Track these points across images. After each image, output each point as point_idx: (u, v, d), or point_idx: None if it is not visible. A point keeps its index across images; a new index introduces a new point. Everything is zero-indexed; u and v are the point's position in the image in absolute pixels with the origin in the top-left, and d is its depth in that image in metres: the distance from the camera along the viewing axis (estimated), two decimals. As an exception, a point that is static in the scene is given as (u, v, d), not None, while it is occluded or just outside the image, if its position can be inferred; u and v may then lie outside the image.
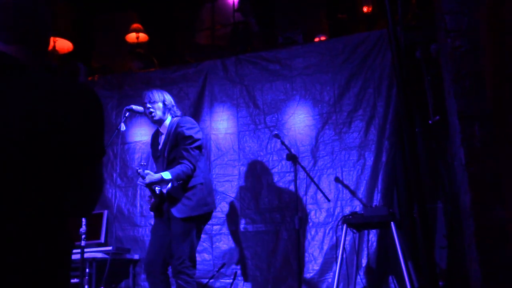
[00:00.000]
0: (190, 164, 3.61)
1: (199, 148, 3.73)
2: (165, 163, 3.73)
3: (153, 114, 3.77)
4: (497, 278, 2.67)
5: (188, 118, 3.91)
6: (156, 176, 3.53)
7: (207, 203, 3.70)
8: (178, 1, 6.70)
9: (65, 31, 6.20)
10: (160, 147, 3.81)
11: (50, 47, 5.72)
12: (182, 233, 3.56)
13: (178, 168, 3.57)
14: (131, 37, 6.40)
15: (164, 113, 3.80)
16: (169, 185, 3.59)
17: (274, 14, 6.24)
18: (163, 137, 3.83)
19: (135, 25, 6.42)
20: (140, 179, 3.56)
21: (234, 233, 5.10)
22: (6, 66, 1.31)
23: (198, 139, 3.71)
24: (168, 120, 3.83)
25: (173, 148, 3.69)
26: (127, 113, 3.86)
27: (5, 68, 1.30)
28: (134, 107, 3.86)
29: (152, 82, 5.71)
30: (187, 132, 3.67)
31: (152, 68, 6.12)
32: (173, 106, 3.86)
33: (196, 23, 6.82)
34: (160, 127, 3.86)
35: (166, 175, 3.53)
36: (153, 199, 3.68)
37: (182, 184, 3.63)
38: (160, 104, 3.79)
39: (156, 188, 3.65)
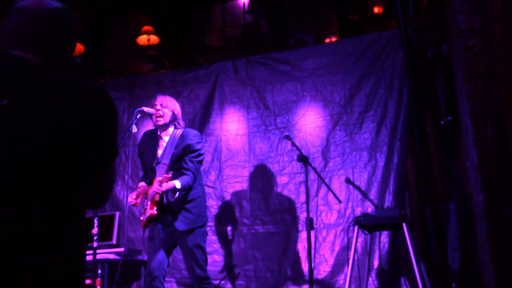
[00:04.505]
0: (193, 176, 3.73)
1: (201, 162, 3.88)
2: (167, 170, 3.79)
3: (159, 118, 3.82)
4: (510, 279, 2.64)
5: (196, 132, 4.00)
6: (170, 183, 3.60)
7: (204, 216, 3.82)
8: (188, 3, 6.72)
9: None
10: (161, 153, 3.84)
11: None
12: (193, 244, 3.66)
13: (185, 179, 3.67)
14: (142, 39, 6.43)
15: (170, 121, 3.87)
16: (177, 194, 3.66)
17: (284, 15, 6.24)
18: (161, 142, 3.88)
19: (146, 27, 6.45)
20: (156, 185, 3.59)
21: (245, 234, 5.09)
22: (23, 69, 1.35)
23: (203, 154, 3.89)
24: (171, 130, 3.89)
25: (179, 158, 3.77)
26: (139, 115, 3.88)
27: (22, 71, 1.34)
28: (145, 109, 3.88)
29: (163, 84, 5.73)
30: (196, 146, 3.80)
31: (163, 69, 6.15)
32: (179, 118, 3.94)
33: (207, 24, 6.84)
34: (161, 133, 3.89)
35: (177, 183, 3.61)
36: (147, 213, 3.72)
37: (183, 195, 3.72)
38: (169, 112, 3.86)
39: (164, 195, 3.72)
